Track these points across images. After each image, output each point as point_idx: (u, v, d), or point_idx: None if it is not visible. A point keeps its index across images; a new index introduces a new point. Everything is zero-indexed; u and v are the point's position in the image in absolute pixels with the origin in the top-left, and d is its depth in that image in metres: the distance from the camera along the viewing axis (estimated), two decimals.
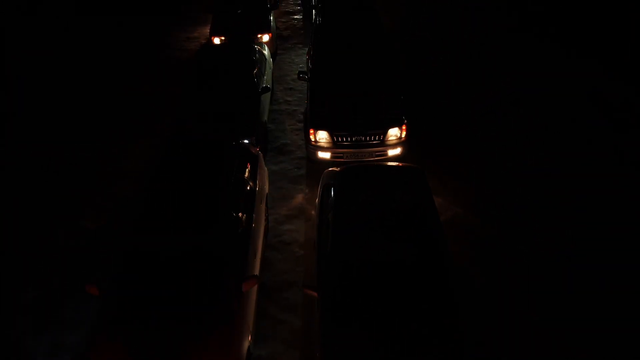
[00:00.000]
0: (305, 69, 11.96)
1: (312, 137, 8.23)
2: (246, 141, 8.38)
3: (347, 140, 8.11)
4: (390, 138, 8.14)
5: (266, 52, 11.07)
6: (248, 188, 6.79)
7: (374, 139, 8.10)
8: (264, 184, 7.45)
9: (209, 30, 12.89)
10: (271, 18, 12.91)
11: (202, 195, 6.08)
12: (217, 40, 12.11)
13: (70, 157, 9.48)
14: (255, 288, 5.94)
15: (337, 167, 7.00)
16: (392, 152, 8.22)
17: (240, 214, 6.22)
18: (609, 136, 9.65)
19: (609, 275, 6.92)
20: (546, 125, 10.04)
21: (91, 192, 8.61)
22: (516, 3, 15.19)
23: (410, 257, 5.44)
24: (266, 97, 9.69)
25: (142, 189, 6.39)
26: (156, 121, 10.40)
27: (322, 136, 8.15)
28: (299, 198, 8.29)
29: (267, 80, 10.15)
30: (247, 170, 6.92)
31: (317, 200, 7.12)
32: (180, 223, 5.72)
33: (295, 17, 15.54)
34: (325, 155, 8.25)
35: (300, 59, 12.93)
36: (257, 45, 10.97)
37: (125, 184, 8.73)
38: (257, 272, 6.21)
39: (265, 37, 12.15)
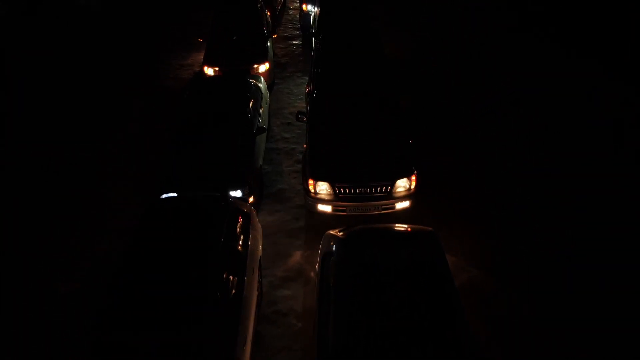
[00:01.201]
0: (304, 100, 11.21)
1: (311, 188, 7.42)
2: (239, 193, 7.57)
3: (350, 193, 7.30)
4: (398, 190, 7.33)
5: (262, 85, 10.31)
6: (239, 253, 5.97)
7: (380, 191, 7.28)
8: (257, 246, 6.61)
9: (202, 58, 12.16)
10: (269, 45, 12.18)
11: (184, 278, 5.23)
12: (210, 71, 11.34)
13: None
14: None
15: (338, 231, 6.17)
16: (400, 205, 7.40)
17: (229, 287, 5.42)
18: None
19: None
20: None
21: (69, 254, 7.82)
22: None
23: (424, 345, 4.65)
24: (262, 138, 8.90)
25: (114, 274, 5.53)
26: (137, 184, 9.00)
27: (323, 188, 7.34)
28: (297, 256, 7.44)
29: (263, 118, 9.36)
30: (237, 232, 6.10)
31: (317, 266, 6.29)
32: (160, 317, 4.87)
33: (294, 42, 14.82)
34: (325, 208, 7.43)
35: (299, 89, 12.17)
36: (252, 78, 10.22)
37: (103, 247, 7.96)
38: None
39: (262, 68, 11.39)
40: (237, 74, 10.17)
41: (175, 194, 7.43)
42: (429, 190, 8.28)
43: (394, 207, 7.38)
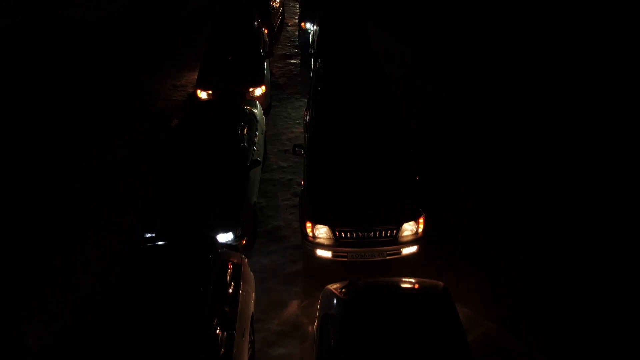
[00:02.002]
0: (302, 125, 10.59)
1: (309, 232, 6.76)
2: (230, 235, 6.92)
3: (352, 237, 6.64)
4: (404, 234, 6.67)
5: (258, 110, 9.69)
6: (228, 311, 5.32)
7: (385, 236, 6.63)
8: (249, 302, 5.93)
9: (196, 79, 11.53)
10: (265, 65, 11.59)
11: (166, 340, 4.59)
12: (203, 94, 10.73)
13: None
14: None
15: (340, 287, 5.50)
16: (406, 251, 6.74)
17: (218, 347, 4.77)
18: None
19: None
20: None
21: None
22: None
23: None
24: (256, 171, 8.26)
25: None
26: (122, 219, 8.22)
27: (322, 232, 6.69)
28: (294, 306, 6.75)
29: (258, 148, 8.72)
30: (227, 288, 5.45)
31: (315, 324, 5.62)
32: None
33: (292, 61, 14.24)
34: (325, 253, 6.77)
35: (297, 113, 11.56)
36: (247, 104, 9.60)
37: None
38: None
39: (258, 91, 10.78)
40: (230, 100, 9.53)
41: (159, 237, 6.79)
42: (437, 230, 7.59)
43: (400, 253, 6.72)
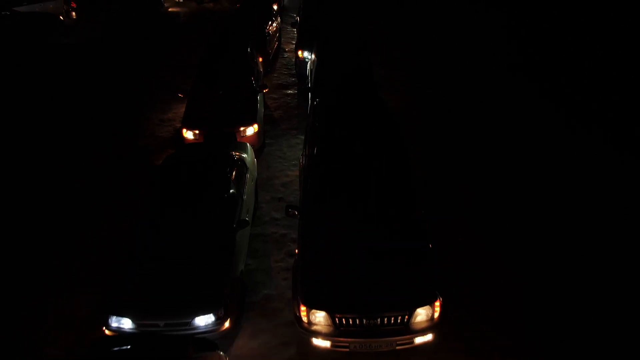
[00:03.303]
0: (298, 167, 9.57)
1: (303, 316, 5.69)
2: (210, 317, 5.85)
3: (355, 325, 5.57)
4: (417, 320, 5.61)
5: (249, 155, 8.66)
6: None
7: (395, 323, 5.56)
8: None
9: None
10: (259, 99, 10.61)
11: None
12: (189, 135, 9.72)
13: None
14: None
15: None
16: (419, 340, 5.67)
17: None
18: None
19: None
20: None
21: None
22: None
23: None
24: (244, 233, 7.21)
25: None
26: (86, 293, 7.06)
27: (319, 318, 5.62)
28: None
29: (247, 201, 7.67)
30: None
31: None
32: None
33: (289, 92, 13.27)
34: (323, 343, 5.69)
35: (293, 152, 10.54)
36: (236, 148, 8.59)
37: None
38: None
39: (250, 130, 9.78)
40: (217, 146, 8.52)
41: (129, 324, 5.75)
42: (456, 310, 6.55)
43: (412, 343, 5.64)
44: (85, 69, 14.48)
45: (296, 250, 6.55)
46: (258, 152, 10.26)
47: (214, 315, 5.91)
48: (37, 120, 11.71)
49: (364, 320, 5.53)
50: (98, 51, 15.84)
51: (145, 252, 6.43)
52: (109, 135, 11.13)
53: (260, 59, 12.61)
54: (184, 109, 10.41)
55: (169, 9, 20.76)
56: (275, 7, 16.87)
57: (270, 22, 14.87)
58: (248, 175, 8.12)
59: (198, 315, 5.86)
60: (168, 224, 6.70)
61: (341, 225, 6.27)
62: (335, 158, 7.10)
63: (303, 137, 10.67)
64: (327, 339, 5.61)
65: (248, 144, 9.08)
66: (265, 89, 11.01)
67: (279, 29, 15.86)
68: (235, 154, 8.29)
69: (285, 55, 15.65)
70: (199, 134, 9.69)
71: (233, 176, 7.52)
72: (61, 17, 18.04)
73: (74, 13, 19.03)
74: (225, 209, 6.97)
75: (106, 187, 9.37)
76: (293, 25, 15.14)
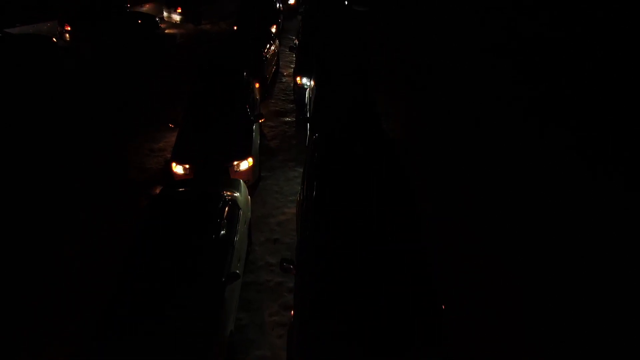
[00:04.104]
0: (295, 204, 8.90)
1: None
2: None
3: None
4: None
5: (242, 194, 7.98)
6: None
7: None
8: None
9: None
10: (255, 129, 9.98)
11: None
12: (179, 169, 9.08)
13: None
14: None
15: None
16: None
17: None
18: None
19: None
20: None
21: None
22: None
23: None
24: (234, 287, 6.51)
25: None
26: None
27: None
28: None
29: (238, 247, 6.99)
30: None
31: None
32: None
33: (287, 119, 12.67)
34: None
35: (290, 187, 9.88)
36: (228, 187, 7.92)
37: None
38: None
39: (244, 164, 9.15)
40: (208, 184, 7.87)
41: None
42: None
43: None
44: (77, 93, 13.93)
45: (292, 312, 5.83)
46: (253, 187, 9.63)
47: None
48: (16, 153, 11.10)
49: None
50: (90, 75, 15.30)
51: (120, 316, 5.71)
52: (97, 167, 10.49)
53: (257, 85, 12.05)
54: (174, 138, 9.79)
55: (166, 31, 20.34)
56: (273, 29, 16.42)
57: (268, 46, 14.36)
58: (240, 217, 7.45)
59: None
60: (148, 282, 5.99)
61: (341, 284, 5.53)
62: (335, 208, 6.30)
63: (301, 170, 10.07)
64: None
65: (242, 182, 8.42)
66: (261, 119, 10.41)
67: (277, 53, 15.33)
68: (227, 194, 7.62)
69: (284, 80, 15.10)
70: (189, 168, 9.06)
71: (223, 221, 6.84)
72: (54, 40, 17.58)
73: (67, 35, 18.56)
74: (213, 260, 6.28)
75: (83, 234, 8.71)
76: (291, 49, 14.61)
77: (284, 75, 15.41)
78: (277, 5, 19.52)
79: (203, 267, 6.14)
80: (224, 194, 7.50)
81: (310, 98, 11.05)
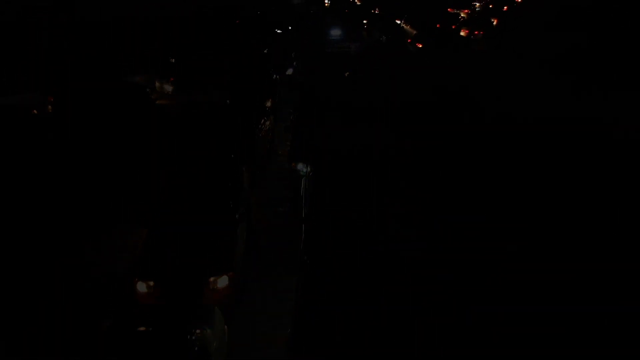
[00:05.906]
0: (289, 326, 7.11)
1: None
2: None
3: None
4: None
5: (215, 329, 6.22)
6: None
7: None
8: None
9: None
10: (238, 234, 8.34)
11: None
12: (142, 287, 7.35)
13: None
14: None
15: None
16: None
17: None
18: None
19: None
20: None
21: None
22: None
23: None
24: None
25: None
26: None
27: None
28: None
29: None
30: None
31: None
32: None
33: (281, 209, 11.01)
34: None
35: (281, 306, 7.93)
36: (200, 316, 6.17)
37: None
38: None
39: (221, 282, 7.38)
40: (171, 317, 6.15)
41: None
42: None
43: None
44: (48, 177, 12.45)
45: None
46: (231, 310, 7.70)
47: None
48: None
49: None
50: (67, 157, 13.85)
51: None
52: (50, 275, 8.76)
53: (246, 172, 10.57)
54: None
55: (157, 101, 19.28)
56: (269, 104, 15.16)
57: (262, 122, 13.07)
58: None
59: None
60: None
61: None
62: None
63: (295, 280, 8.39)
64: None
65: (217, 309, 6.65)
66: (248, 220, 8.78)
67: (271, 130, 13.99)
68: (196, 332, 5.88)
69: (278, 160, 13.62)
70: (153, 286, 7.32)
71: None
72: (35, 111, 16.50)
73: (50, 107, 17.49)
74: None
75: None
76: (287, 129, 13.29)
77: (279, 154, 13.89)
78: (274, 76, 18.55)
79: None
80: (189, 336, 5.76)
81: (305, 189, 9.53)
